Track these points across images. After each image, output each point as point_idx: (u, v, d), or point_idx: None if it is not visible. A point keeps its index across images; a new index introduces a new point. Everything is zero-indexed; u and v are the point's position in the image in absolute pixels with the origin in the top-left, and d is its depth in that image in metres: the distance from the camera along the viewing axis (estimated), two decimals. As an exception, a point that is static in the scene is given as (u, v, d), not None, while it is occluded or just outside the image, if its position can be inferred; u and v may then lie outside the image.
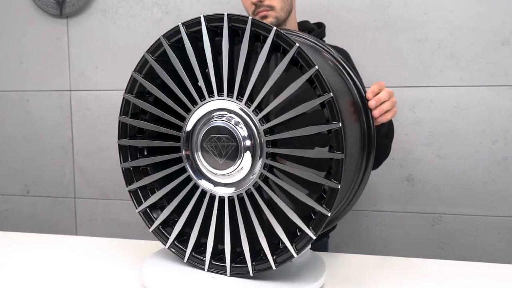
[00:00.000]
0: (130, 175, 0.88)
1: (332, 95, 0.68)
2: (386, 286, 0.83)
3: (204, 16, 0.77)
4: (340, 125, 0.68)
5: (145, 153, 0.88)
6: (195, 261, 0.84)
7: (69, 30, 1.80)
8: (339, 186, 0.69)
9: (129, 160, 0.87)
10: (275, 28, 0.71)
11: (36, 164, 1.90)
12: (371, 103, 0.84)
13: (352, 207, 0.87)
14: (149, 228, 0.86)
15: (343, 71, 0.84)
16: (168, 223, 0.87)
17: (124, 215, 1.85)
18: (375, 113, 0.84)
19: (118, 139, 0.87)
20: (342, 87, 0.81)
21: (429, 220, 1.60)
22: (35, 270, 0.91)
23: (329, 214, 0.70)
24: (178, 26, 0.78)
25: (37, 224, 1.93)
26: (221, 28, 0.76)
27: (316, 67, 0.68)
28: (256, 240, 0.77)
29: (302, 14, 1.42)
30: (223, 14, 0.74)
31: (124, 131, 0.87)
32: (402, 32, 1.55)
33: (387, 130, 1.08)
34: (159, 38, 0.81)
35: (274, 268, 0.75)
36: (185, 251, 0.84)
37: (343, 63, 0.85)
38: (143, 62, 0.83)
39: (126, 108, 0.86)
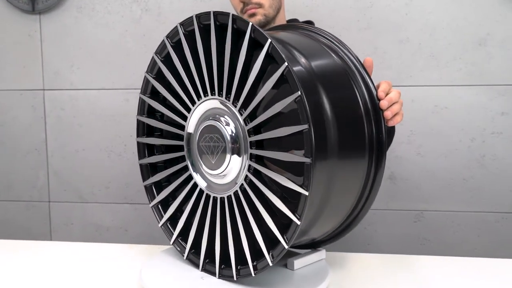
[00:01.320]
0: (146, 171, 0.90)
1: (299, 93, 0.64)
2: (387, 284, 0.83)
3: (196, 15, 0.76)
4: (307, 126, 0.64)
5: (163, 151, 0.90)
6: (194, 260, 0.84)
7: (42, 26, 1.73)
8: (308, 193, 0.65)
9: (146, 156, 0.91)
10: (251, 23, 0.69)
11: (8, 167, 1.81)
12: (383, 104, 0.77)
13: (362, 218, 0.85)
14: (159, 223, 0.88)
15: (353, 67, 0.80)
16: (177, 221, 0.86)
17: (103, 218, 1.79)
18: (387, 114, 0.78)
19: (137, 136, 0.91)
20: (344, 84, 0.78)
21: (411, 217, 1.63)
22: (8, 278, 0.87)
23: (298, 223, 0.66)
24: (177, 27, 0.77)
25: (9, 229, 1.84)
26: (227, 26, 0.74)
27: (286, 64, 0.65)
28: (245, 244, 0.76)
29: (285, 14, 1.41)
30: (210, 12, 0.74)
31: (141, 129, 0.90)
32: (384, 32, 1.57)
33: (390, 128, 1.04)
34: (163, 40, 0.79)
35: (253, 275, 0.74)
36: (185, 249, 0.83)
37: (354, 59, 0.81)
38: (153, 63, 0.83)
39: (142, 107, 0.89)
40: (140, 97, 0.89)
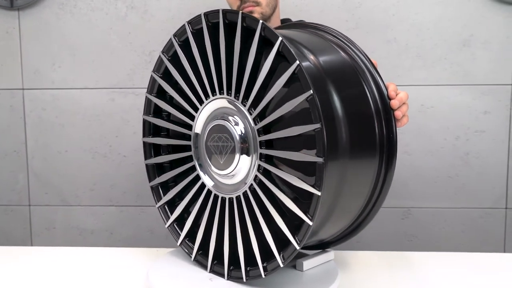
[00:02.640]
0: (152, 172, 0.88)
1: (311, 92, 0.63)
2: (396, 282, 0.84)
3: (205, 13, 0.75)
4: (319, 125, 0.63)
5: (169, 151, 0.88)
6: (201, 261, 0.82)
7: (20, 23, 1.66)
8: (320, 193, 0.64)
9: (152, 157, 0.89)
10: (261, 21, 0.68)
11: (-16, 170, 1.73)
12: (394, 103, 0.77)
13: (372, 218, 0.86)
14: (165, 224, 0.86)
15: (363, 65, 0.80)
16: (184, 222, 0.84)
17: (87, 221, 1.74)
18: (398, 114, 0.77)
19: (143, 136, 0.89)
20: (354, 82, 0.78)
21: (399, 214, 1.66)
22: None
23: (311, 223, 0.66)
24: (184, 25, 0.75)
25: (-14, 235, 1.76)
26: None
27: (297, 62, 0.65)
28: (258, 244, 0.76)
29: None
30: (218, 10, 0.73)
31: (147, 129, 0.88)
32: (372, 32, 1.59)
33: None
34: (170, 39, 0.77)
35: (263, 276, 0.73)
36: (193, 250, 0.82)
37: (363, 57, 0.81)
38: (159, 62, 0.81)
39: (148, 107, 0.86)
40: (146, 97, 0.87)
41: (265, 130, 0.72)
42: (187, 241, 0.84)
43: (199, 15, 0.75)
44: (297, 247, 0.69)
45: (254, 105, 0.71)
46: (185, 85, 0.77)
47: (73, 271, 0.90)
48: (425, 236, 1.67)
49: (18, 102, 1.69)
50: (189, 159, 0.82)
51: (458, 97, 1.60)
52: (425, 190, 1.64)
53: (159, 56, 0.81)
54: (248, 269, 0.76)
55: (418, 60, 1.59)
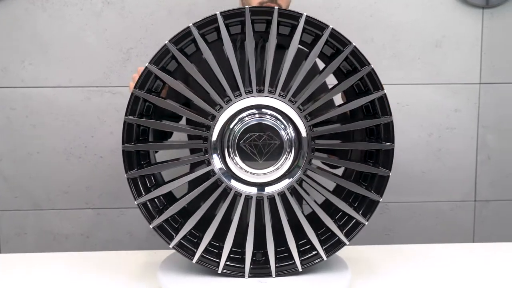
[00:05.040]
0: (142, 185, 0.79)
1: (385, 92, 0.75)
2: (405, 274, 0.87)
3: (221, 13, 0.74)
4: (392, 118, 0.77)
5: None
6: (231, 269, 0.79)
7: (-14, 17, 1.56)
8: (390, 173, 0.79)
9: (136, 168, 0.78)
10: (304, 14, 0.72)
11: None
12: None
13: None
14: (169, 244, 0.78)
15: None
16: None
17: (61, 226, 1.66)
18: None
19: (122, 143, 0.79)
20: None
21: (377, 209, 1.70)
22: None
23: (380, 200, 0.78)
24: (215, 14, 0.72)
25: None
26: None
27: (371, 66, 0.76)
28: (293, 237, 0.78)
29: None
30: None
31: (129, 134, 0.78)
32: (350, 32, 1.60)
33: None
34: (188, 27, 0.72)
35: (325, 259, 0.78)
36: (218, 262, 0.79)
37: None
38: (161, 54, 0.74)
39: (134, 107, 0.76)
40: (133, 94, 0.76)
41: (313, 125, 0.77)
42: (204, 255, 0.79)
43: (242, 8, 0.72)
44: (365, 222, 0.80)
45: (303, 103, 0.76)
46: (205, 82, 0.73)
47: (40, 278, 0.85)
48: (401, 229, 1.73)
49: (-16, 101, 1.59)
50: (196, 164, 0.79)
51: (431, 96, 1.67)
52: (400, 186, 1.70)
53: (163, 47, 0.74)
54: (284, 263, 0.79)
55: (394, 60, 1.65)
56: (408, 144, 1.68)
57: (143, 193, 0.77)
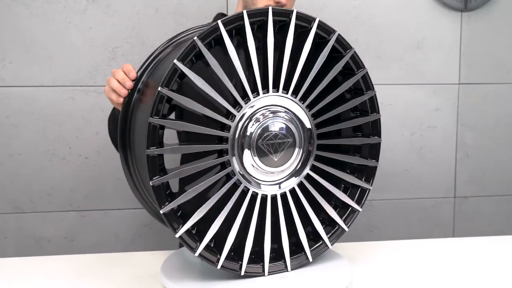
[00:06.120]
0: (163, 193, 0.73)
1: (375, 92, 0.83)
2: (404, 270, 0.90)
3: (246, 12, 0.74)
4: (380, 115, 0.85)
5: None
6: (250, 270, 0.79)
7: (-37, 14, 1.50)
8: (376, 164, 0.85)
9: (160, 175, 0.71)
10: (317, 18, 0.79)
11: None
12: None
13: None
14: (194, 251, 0.73)
15: None
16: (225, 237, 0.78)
17: (43, 229, 1.62)
18: None
19: (147, 147, 0.71)
20: None
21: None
22: None
23: (371, 188, 0.86)
24: (242, 13, 0.72)
25: None
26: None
27: (366, 69, 0.81)
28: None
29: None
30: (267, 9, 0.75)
31: (153, 137, 0.71)
32: (335, 33, 1.65)
33: None
34: (215, 24, 0.70)
35: (330, 247, 0.83)
36: (240, 264, 0.78)
37: None
38: (188, 51, 0.70)
39: (160, 107, 0.70)
40: (159, 93, 0.71)
41: (318, 125, 0.81)
42: (230, 259, 0.77)
43: (267, 9, 0.73)
44: (346, 229, 0.85)
45: (311, 101, 0.79)
46: (227, 80, 0.71)
47: (23, 284, 0.83)
48: (385, 226, 1.77)
49: (-38, 101, 1.53)
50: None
51: (413, 95, 1.72)
52: (384, 183, 1.75)
53: (191, 43, 0.70)
54: (294, 257, 0.81)
55: (377, 60, 1.69)
56: (391, 142, 1.73)
57: (166, 201, 0.72)
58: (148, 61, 0.90)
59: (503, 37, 1.73)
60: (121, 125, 0.84)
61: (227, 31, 0.71)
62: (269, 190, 0.77)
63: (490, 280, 0.83)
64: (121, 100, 0.88)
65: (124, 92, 0.87)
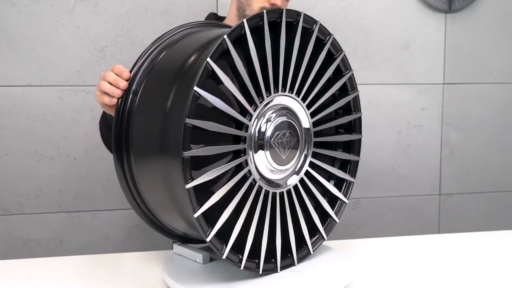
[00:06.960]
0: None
1: (358, 92, 0.89)
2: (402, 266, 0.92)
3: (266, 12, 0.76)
4: (361, 114, 0.92)
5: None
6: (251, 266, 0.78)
7: None
8: (359, 158, 0.93)
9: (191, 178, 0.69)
10: (318, 21, 0.80)
11: None
12: None
13: None
14: (221, 253, 0.73)
15: None
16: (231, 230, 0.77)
17: (32, 231, 1.60)
18: None
19: (184, 150, 0.68)
20: None
21: (349, 204, 1.77)
22: None
23: (354, 181, 0.92)
24: (263, 12, 0.73)
25: None
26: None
27: (352, 71, 0.88)
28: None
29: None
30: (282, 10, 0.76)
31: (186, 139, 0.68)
32: (324, 34, 1.68)
33: None
34: (241, 22, 0.71)
35: (326, 239, 0.88)
36: (256, 263, 0.79)
37: None
38: (216, 48, 0.69)
39: (193, 107, 0.67)
40: (193, 92, 0.67)
41: (314, 124, 0.85)
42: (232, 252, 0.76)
43: (281, 10, 0.74)
44: (337, 220, 0.89)
45: (310, 101, 0.83)
46: (247, 78, 0.71)
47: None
48: (373, 223, 1.80)
49: None
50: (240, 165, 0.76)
51: (400, 95, 1.75)
52: (372, 181, 1.78)
53: (221, 41, 0.69)
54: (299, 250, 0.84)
55: (365, 60, 1.72)
56: (378, 141, 1.76)
57: (198, 204, 0.69)
58: (141, 61, 0.86)
59: (486, 38, 1.78)
60: (115, 128, 0.81)
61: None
62: (277, 188, 0.78)
63: (474, 275, 0.86)
64: (114, 101, 0.84)
65: (118, 93, 0.84)
